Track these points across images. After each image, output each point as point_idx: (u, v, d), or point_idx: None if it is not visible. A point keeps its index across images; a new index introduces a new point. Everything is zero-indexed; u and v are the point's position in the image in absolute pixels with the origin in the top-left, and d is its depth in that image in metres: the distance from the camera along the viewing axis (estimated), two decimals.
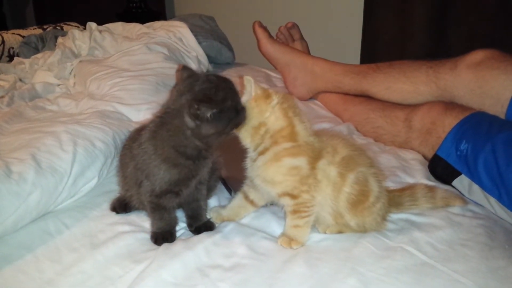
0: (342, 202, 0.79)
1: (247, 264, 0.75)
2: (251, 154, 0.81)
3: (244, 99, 0.79)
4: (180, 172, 0.77)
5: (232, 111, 0.75)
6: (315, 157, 0.78)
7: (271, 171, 0.78)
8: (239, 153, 0.84)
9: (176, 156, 0.76)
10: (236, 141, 0.82)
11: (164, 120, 0.77)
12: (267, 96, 0.78)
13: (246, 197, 0.87)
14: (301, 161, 0.77)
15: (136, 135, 0.83)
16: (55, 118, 1.16)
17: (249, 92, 0.78)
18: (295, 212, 0.79)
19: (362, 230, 0.82)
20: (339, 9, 2.46)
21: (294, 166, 0.77)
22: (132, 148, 0.81)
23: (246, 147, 0.82)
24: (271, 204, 0.92)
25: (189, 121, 0.74)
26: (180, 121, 0.75)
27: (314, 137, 0.80)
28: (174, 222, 0.84)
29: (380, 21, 2.15)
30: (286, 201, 0.79)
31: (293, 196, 0.78)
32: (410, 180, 1.03)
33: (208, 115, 0.72)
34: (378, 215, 0.82)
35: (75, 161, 0.92)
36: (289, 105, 0.79)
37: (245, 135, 0.80)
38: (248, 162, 0.82)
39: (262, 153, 0.79)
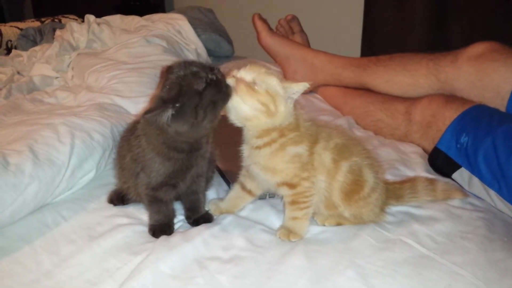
0: (335, 190, 0.79)
1: (245, 257, 0.75)
2: (253, 141, 0.78)
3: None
4: (174, 164, 0.77)
5: (192, 98, 0.70)
6: (313, 141, 0.78)
7: (275, 160, 0.77)
8: (238, 145, 0.83)
9: (168, 151, 0.76)
10: (235, 134, 0.81)
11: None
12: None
13: (243, 187, 0.86)
14: (303, 148, 0.77)
15: (134, 127, 0.83)
16: (53, 111, 1.16)
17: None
18: (293, 203, 0.79)
19: (360, 221, 0.82)
20: (340, 1, 2.45)
21: (297, 153, 0.77)
22: (130, 140, 0.81)
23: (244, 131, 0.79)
24: (270, 197, 0.91)
25: (164, 126, 0.72)
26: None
27: (308, 122, 0.80)
28: (172, 214, 0.83)
29: (380, 14, 2.14)
30: (284, 191, 0.79)
31: (291, 186, 0.77)
32: (410, 173, 1.03)
33: (167, 117, 0.70)
34: (375, 206, 0.82)
35: (73, 153, 0.91)
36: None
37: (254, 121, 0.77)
38: (244, 150, 0.81)
39: (268, 144, 0.77)
